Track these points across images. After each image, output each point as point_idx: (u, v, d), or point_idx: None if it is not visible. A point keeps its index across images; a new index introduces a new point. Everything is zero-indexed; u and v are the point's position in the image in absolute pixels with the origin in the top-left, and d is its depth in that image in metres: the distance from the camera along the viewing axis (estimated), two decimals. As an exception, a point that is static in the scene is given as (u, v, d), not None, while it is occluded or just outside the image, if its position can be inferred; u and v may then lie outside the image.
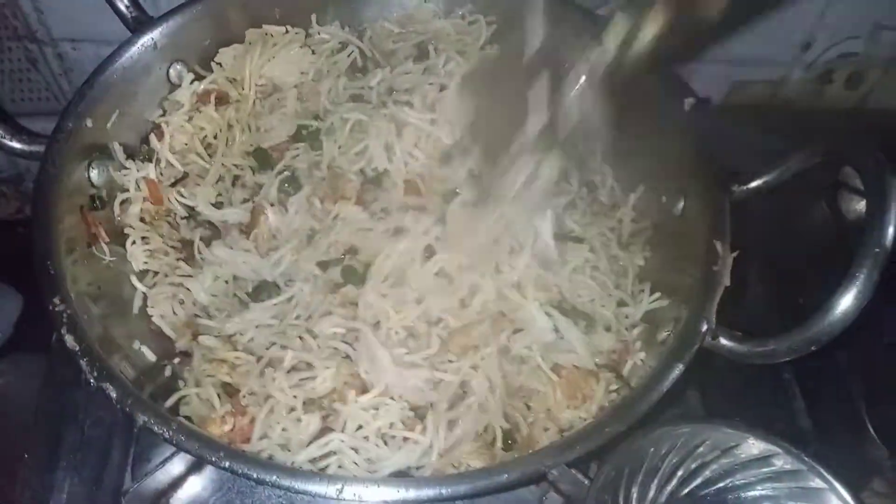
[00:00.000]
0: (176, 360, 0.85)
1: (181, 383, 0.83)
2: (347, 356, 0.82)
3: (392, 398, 0.79)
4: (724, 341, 0.73)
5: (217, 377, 0.82)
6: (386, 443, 0.78)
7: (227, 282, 0.91)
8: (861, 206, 1.17)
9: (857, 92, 1.36)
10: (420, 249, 0.86)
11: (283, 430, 0.77)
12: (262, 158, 0.98)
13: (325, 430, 0.78)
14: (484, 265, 0.86)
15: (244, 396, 0.80)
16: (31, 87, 1.14)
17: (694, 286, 0.79)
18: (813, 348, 0.67)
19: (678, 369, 0.73)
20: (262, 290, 0.89)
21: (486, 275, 0.85)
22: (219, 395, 0.80)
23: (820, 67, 1.31)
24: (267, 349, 0.83)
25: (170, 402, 0.79)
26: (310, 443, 0.77)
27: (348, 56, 1.04)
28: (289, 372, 0.80)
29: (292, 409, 0.78)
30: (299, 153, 0.97)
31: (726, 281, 0.77)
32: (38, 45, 1.09)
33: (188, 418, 0.79)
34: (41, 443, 0.90)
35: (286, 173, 0.95)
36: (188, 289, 0.89)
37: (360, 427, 0.78)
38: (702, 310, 0.75)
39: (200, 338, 0.85)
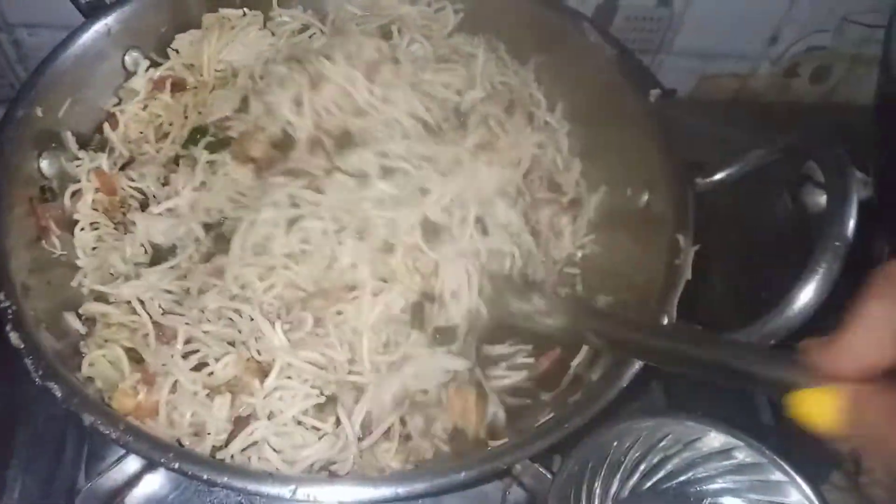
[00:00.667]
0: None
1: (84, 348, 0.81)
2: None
3: (291, 378, 0.78)
4: (682, 336, 0.73)
5: (119, 342, 0.80)
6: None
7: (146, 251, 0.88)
8: (824, 199, 1.18)
9: (823, 86, 1.38)
10: (284, 217, 0.83)
11: (192, 414, 0.76)
12: (200, 132, 0.94)
13: (242, 420, 0.77)
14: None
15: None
16: (-15, 74, 1.12)
17: (657, 280, 0.78)
18: (772, 342, 0.67)
19: (637, 365, 0.73)
20: (162, 257, 0.87)
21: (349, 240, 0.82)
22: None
23: (787, 61, 1.32)
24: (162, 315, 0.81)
25: (84, 369, 0.78)
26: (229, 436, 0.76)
27: (310, 38, 1.02)
28: (186, 356, 0.79)
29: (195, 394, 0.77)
30: (233, 123, 0.93)
31: (687, 274, 0.77)
32: None
33: (98, 390, 0.77)
34: (-7, 441, 0.88)
35: (209, 138, 0.92)
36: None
37: (271, 415, 0.77)
38: (662, 303, 0.75)
39: (91, 304, 0.83)
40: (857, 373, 0.49)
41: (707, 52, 1.28)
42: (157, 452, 0.67)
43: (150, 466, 0.84)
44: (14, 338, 0.71)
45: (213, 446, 0.76)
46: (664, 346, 0.69)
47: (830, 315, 0.64)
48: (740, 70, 1.33)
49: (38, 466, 0.87)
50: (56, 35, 0.99)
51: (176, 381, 0.77)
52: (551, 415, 0.75)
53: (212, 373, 0.78)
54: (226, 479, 0.66)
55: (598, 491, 0.81)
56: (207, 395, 0.76)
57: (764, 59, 1.31)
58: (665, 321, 0.74)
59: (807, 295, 0.65)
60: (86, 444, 0.88)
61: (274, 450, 0.75)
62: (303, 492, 0.65)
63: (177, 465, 0.66)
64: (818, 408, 0.50)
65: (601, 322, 0.77)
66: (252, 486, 0.66)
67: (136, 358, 0.80)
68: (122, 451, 0.81)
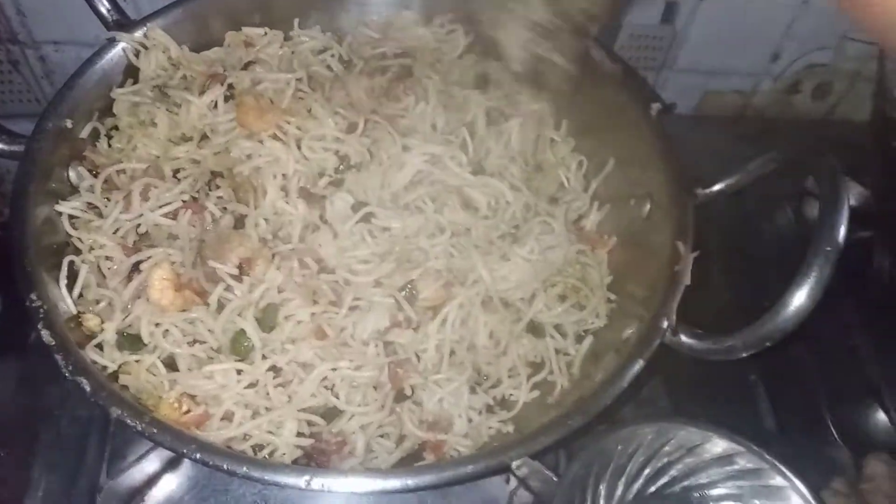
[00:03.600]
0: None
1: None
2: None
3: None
4: (684, 338, 0.76)
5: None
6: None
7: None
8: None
9: (824, 103, 1.39)
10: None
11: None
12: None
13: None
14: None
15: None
16: (12, 89, 1.14)
17: (658, 287, 0.81)
18: (768, 344, 0.69)
19: (638, 364, 0.75)
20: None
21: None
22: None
23: (788, 78, 1.34)
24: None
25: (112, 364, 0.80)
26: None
27: (331, 57, 1.04)
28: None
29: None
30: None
31: (687, 280, 0.79)
32: (20, 47, 1.09)
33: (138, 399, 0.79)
34: (18, 440, 0.91)
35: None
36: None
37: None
38: (663, 308, 0.78)
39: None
40: None
41: (710, 69, 1.31)
42: (180, 444, 0.69)
43: (170, 465, 0.88)
44: (45, 335, 0.73)
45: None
46: None
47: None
48: (743, 87, 1.35)
49: (61, 466, 0.89)
50: (81, 51, 1.04)
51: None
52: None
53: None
54: (245, 469, 0.69)
55: (602, 494, 0.82)
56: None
57: (766, 76, 1.33)
58: (665, 324, 0.76)
59: (800, 298, 0.67)
60: (108, 445, 0.90)
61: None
62: (317, 482, 0.68)
63: (198, 456, 0.68)
64: None
65: None
66: (269, 476, 0.68)
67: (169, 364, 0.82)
68: (143, 451, 0.85)
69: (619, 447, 0.82)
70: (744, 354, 0.71)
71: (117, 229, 0.87)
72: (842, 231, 0.66)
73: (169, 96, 0.95)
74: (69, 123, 0.88)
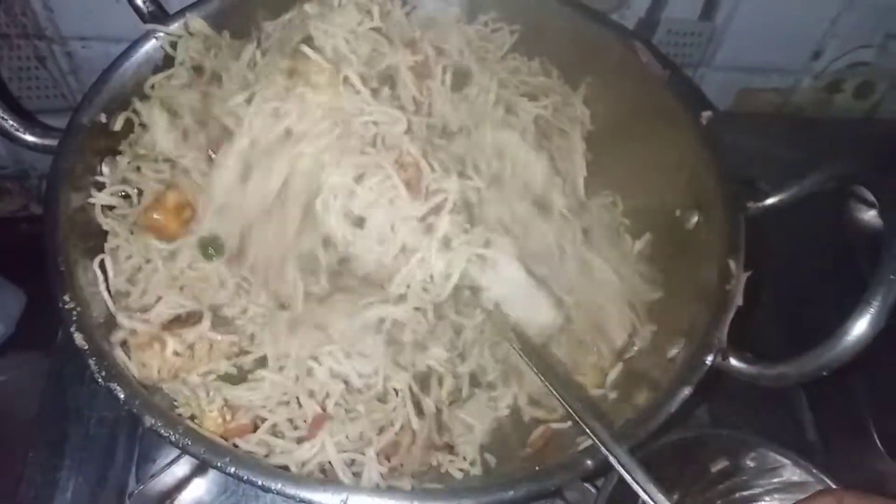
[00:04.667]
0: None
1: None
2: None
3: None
4: (734, 362, 0.73)
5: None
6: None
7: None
8: (870, 216, 1.17)
9: (866, 102, 1.36)
10: None
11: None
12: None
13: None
14: None
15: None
16: (38, 85, 1.12)
17: (706, 305, 0.78)
18: (824, 374, 0.67)
19: (686, 391, 0.72)
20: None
21: None
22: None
23: (830, 76, 1.30)
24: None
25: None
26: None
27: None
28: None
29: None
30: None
31: (739, 301, 0.76)
32: (47, 43, 1.07)
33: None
34: (45, 441, 0.90)
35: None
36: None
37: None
38: (713, 329, 0.75)
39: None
40: None
41: (749, 67, 1.27)
42: (215, 456, 0.67)
43: (199, 470, 0.87)
44: (79, 339, 0.72)
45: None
46: None
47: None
48: (782, 85, 1.32)
49: (89, 468, 0.88)
50: (108, 48, 1.02)
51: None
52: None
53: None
54: (280, 485, 0.67)
55: (642, 507, 0.82)
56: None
57: (806, 74, 1.30)
58: (717, 346, 0.74)
59: (860, 327, 0.64)
60: (137, 447, 0.90)
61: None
62: (355, 500, 0.66)
63: (233, 470, 0.67)
64: None
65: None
66: (304, 494, 0.67)
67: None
68: (173, 455, 0.83)
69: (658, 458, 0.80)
70: (797, 383, 0.69)
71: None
72: (908, 259, 0.63)
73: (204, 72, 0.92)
74: (104, 118, 0.86)
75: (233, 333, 0.81)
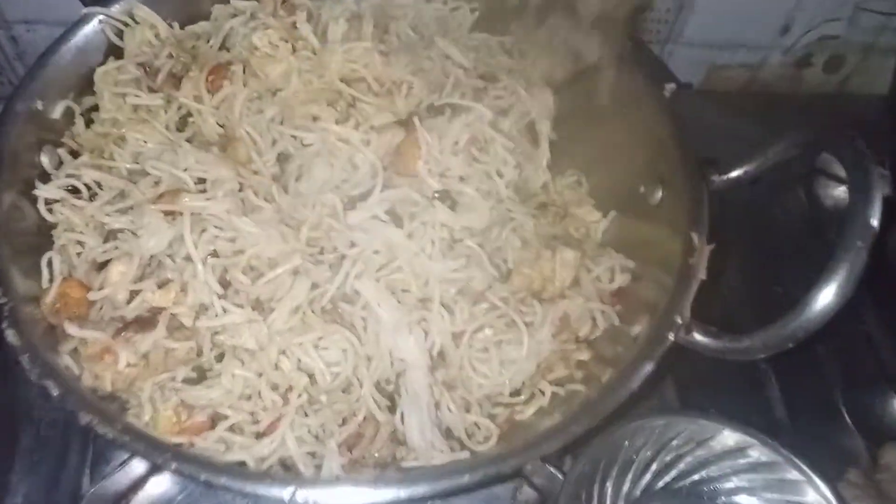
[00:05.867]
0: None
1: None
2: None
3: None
4: (697, 337, 0.71)
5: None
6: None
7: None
8: (839, 192, 1.17)
9: (836, 76, 1.36)
10: None
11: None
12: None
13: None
14: None
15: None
16: (-18, 71, 1.10)
17: (669, 280, 0.76)
18: (790, 345, 0.65)
19: (649, 367, 0.71)
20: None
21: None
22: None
23: (799, 51, 1.29)
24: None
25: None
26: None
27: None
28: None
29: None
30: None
31: (702, 275, 0.75)
32: None
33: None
34: (-5, 445, 0.87)
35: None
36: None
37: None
38: (676, 304, 0.73)
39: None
40: None
41: (717, 43, 1.26)
42: (155, 453, 0.66)
43: (156, 468, 0.84)
44: (11, 335, 0.69)
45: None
46: None
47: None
48: (751, 60, 1.30)
49: (41, 470, 0.85)
50: (54, 31, 0.97)
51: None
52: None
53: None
54: (223, 480, 0.65)
55: (609, 490, 0.80)
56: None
57: (776, 49, 1.29)
58: (678, 322, 0.72)
59: (827, 296, 0.63)
60: (90, 448, 0.87)
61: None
62: (302, 494, 0.64)
63: (174, 466, 0.65)
64: None
65: None
66: (250, 488, 0.65)
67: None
68: (127, 455, 0.80)
69: (626, 442, 0.80)
70: (762, 355, 0.67)
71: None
72: (874, 224, 0.62)
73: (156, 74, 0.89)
74: (40, 105, 0.83)
75: (189, 338, 0.77)
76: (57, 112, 0.85)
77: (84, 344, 0.74)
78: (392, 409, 0.77)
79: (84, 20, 0.87)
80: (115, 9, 0.88)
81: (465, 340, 0.80)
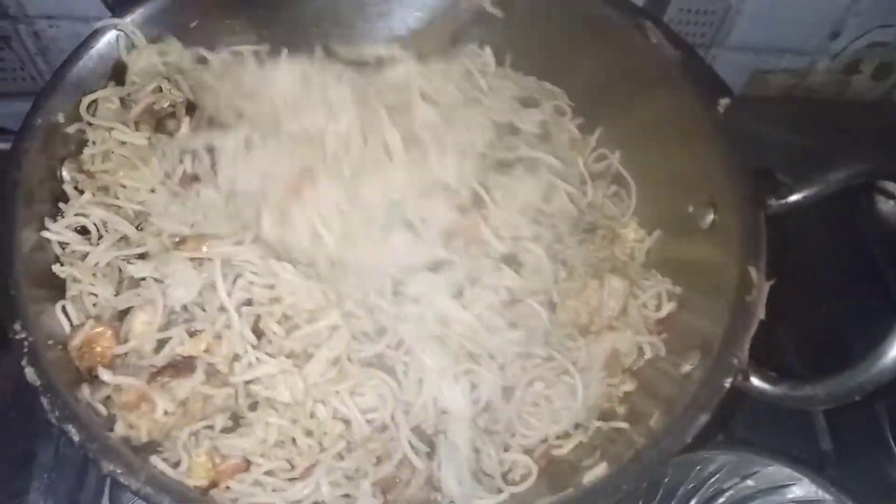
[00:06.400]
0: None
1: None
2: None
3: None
4: (756, 382, 0.67)
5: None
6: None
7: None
8: (891, 206, 1.11)
9: (884, 83, 1.31)
10: None
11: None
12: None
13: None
14: None
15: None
16: (3, 67, 1.07)
17: (723, 315, 0.71)
18: (857, 398, 0.61)
19: (704, 418, 0.66)
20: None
21: None
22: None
23: (848, 57, 1.25)
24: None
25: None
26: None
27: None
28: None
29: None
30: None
31: (761, 314, 0.70)
32: (12, 22, 1.01)
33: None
34: (9, 459, 0.84)
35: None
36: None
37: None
38: (732, 346, 0.68)
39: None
40: None
41: (764, 47, 1.22)
42: (180, 504, 0.62)
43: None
44: (30, 374, 0.65)
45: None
46: None
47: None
48: (797, 66, 1.26)
49: (59, 490, 0.83)
50: (76, 27, 0.98)
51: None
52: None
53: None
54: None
55: (652, 529, 0.78)
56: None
57: (823, 55, 1.24)
58: (736, 364, 0.67)
59: (896, 350, 0.58)
60: (110, 468, 0.83)
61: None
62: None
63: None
64: None
65: None
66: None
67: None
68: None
69: (668, 476, 0.79)
70: (825, 406, 0.63)
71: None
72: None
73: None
74: (62, 118, 0.78)
75: (226, 384, 0.72)
76: (73, 129, 0.81)
77: (118, 391, 0.70)
78: (430, 454, 0.73)
79: (105, 29, 0.83)
80: (128, 20, 0.83)
81: (517, 396, 0.76)
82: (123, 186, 0.79)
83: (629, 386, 0.80)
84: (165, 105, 0.83)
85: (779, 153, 0.92)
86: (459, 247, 0.78)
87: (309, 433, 0.72)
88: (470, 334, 0.75)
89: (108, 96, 0.82)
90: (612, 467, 0.67)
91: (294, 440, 0.72)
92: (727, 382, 0.66)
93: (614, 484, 0.65)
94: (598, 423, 0.78)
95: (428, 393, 0.72)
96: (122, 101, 0.83)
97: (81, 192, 0.78)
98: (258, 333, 0.73)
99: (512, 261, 0.81)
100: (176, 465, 0.69)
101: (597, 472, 0.67)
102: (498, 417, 0.75)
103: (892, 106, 1.34)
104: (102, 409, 0.69)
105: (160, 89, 0.83)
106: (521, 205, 0.81)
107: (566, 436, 0.78)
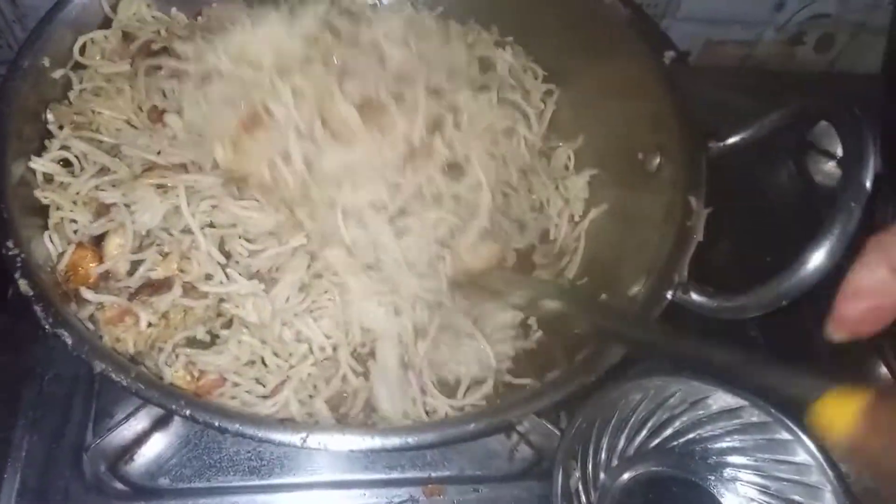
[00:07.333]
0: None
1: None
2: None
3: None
4: (694, 296, 0.73)
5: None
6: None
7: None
8: (828, 167, 1.19)
9: (826, 55, 1.37)
10: None
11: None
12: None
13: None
14: None
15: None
16: (-20, 34, 1.08)
17: (666, 241, 0.78)
18: (784, 303, 0.66)
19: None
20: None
21: None
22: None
23: (792, 29, 1.31)
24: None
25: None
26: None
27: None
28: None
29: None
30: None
31: (699, 236, 0.76)
32: None
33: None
34: (-1, 400, 0.87)
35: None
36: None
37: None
38: (674, 264, 0.75)
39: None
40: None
41: (713, 18, 1.27)
42: (168, 400, 0.66)
43: (160, 424, 0.85)
44: (23, 285, 0.68)
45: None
46: (666, 346, 0.66)
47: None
48: (746, 37, 1.32)
49: (44, 425, 0.85)
50: None
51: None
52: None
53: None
54: (237, 426, 0.65)
55: (605, 448, 0.82)
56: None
57: (769, 26, 1.30)
58: (675, 280, 0.73)
59: (819, 256, 0.65)
60: (94, 403, 0.87)
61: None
62: (314, 440, 0.65)
63: (188, 412, 0.65)
64: (838, 413, 0.48)
65: (596, 313, 0.75)
66: (263, 434, 0.65)
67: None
68: (131, 409, 0.82)
69: (622, 401, 0.82)
70: (756, 314, 0.68)
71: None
72: (867, 185, 0.63)
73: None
74: (47, 62, 0.82)
75: (205, 296, 0.78)
76: (57, 74, 0.85)
77: (101, 309, 0.75)
78: (366, 375, 0.79)
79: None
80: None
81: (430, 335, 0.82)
82: (101, 113, 0.84)
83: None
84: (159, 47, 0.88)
85: (727, 117, 0.98)
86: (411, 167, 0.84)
87: (276, 354, 0.77)
88: (395, 268, 0.80)
89: (108, 35, 0.87)
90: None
91: (263, 360, 0.77)
92: (668, 294, 0.73)
93: (567, 379, 0.71)
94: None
95: (353, 313, 0.77)
96: (124, 34, 0.88)
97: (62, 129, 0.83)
98: (226, 255, 0.78)
99: (457, 171, 0.86)
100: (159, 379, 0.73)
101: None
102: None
103: (836, 77, 1.39)
104: (90, 326, 0.73)
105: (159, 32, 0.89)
106: (481, 131, 0.86)
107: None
